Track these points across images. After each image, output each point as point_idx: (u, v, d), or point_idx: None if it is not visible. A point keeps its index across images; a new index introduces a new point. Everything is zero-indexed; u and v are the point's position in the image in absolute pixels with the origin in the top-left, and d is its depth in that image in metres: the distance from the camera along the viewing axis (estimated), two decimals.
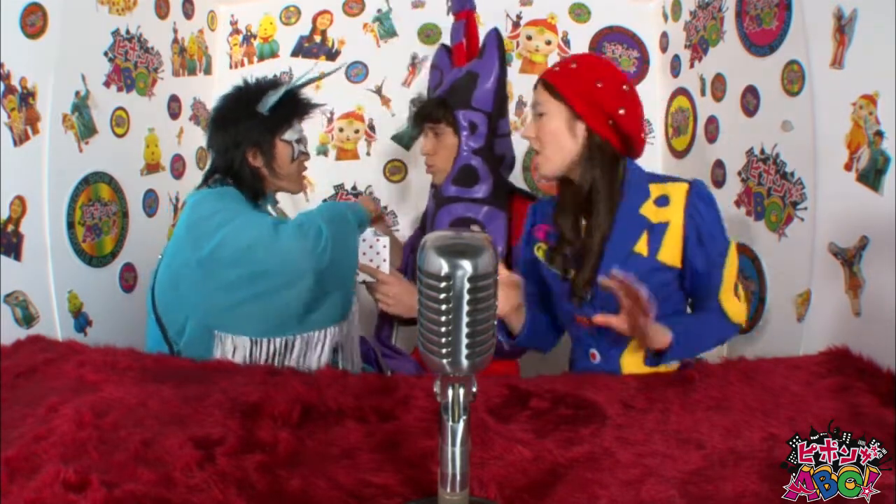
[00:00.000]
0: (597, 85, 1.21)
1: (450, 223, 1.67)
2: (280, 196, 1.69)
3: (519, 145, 2.45)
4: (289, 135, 1.54)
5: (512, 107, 2.47)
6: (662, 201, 1.24)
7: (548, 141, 1.26)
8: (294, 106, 1.56)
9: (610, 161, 1.24)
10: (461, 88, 1.66)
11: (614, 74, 1.26)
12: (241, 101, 1.52)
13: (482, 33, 2.44)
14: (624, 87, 1.24)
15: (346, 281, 1.46)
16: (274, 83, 1.55)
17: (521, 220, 1.65)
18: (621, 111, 1.21)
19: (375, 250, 1.49)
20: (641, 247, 1.23)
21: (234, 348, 1.38)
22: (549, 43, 2.47)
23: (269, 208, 1.58)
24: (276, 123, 1.52)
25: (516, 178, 2.38)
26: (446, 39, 2.00)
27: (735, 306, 1.25)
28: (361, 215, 1.52)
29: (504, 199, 1.69)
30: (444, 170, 1.70)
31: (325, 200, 2.49)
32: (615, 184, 1.24)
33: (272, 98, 1.49)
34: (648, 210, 1.24)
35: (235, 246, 1.35)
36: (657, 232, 1.23)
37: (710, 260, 1.24)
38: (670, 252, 1.23)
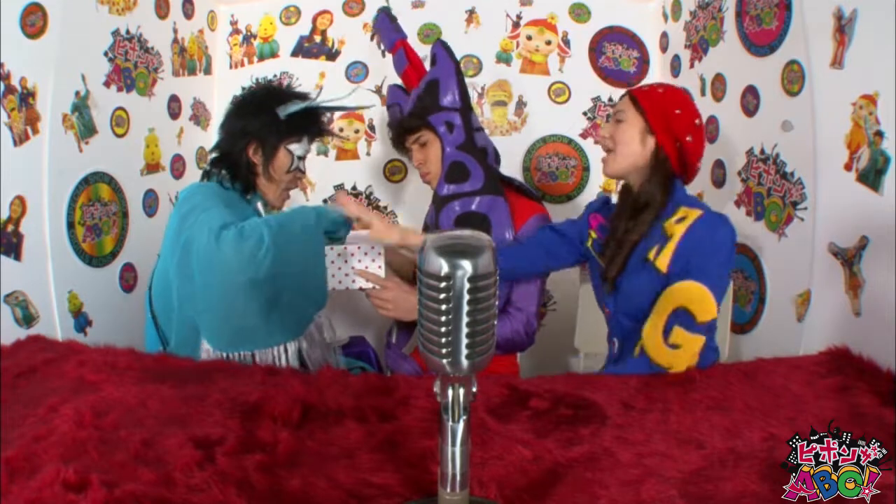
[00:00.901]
0: (675, 111, 1.36)
1: (454, 221, 1.69)
2: None
3: (521, 145, 2.46)
4: (295, 147, 1.56)
5: (512, 107, 2.48)
6: (679, 220, 1.32)
7: (620, 142, 1.40)
8: (312, 123, 1.58)
9: (667, 177, 1.38)
10: (426, 96, 1.71)
11: (692, 110, 1.39)
12: (265, 98, 1.54)
13: (482, 33, 2.46)
14: (697, 121, 1.38)
15: (302, 291, 1.40)
16: (303, 95, 1.58)
17: (517, 209, 1.70)
18: (689, 139, 1.36)
19: (370, 257, 1.48)
20: (652, 254, 1.32)
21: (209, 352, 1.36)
22: (549, 43, 2.47)
23: (259, 205, 1.58)
24: (288, 131, 1.53)
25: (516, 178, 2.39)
26: (445, 38, 2.01)
27: (655, 345, 1.22)
28: (331, 219, 1.43)
29: (498, 187, 1.72)
30: (438, 174, 1.73)
31: (325, 201, 2.50)
32: (664, 198, 1.37)
33: (294, 107, 1.51)
34: (668, 225, 1.33)
35: (194, 251, 1.33)
36: (664, 242, 1.31)
37: (669, 283, 1.27)
38: (665, 259, 1.29)
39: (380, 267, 1.49)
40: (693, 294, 1.23)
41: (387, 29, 1.88)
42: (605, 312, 1.48)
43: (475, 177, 1.69)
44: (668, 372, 1.21)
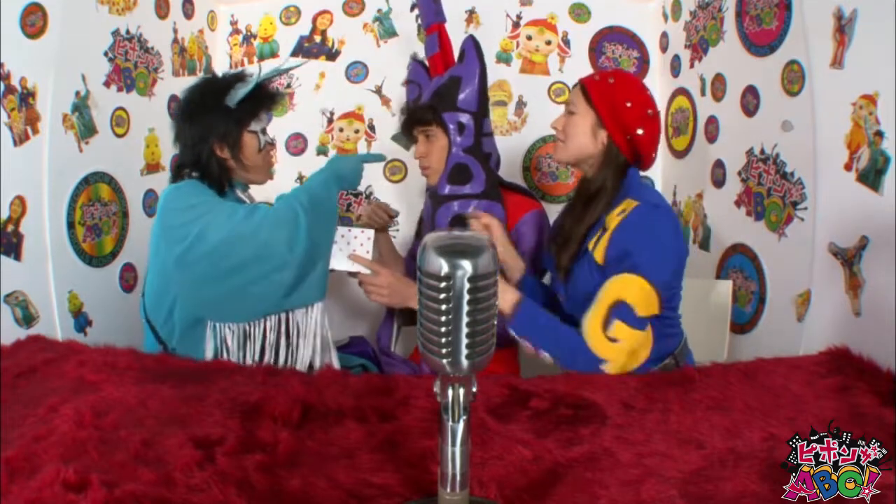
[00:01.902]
0: (626, 104, 1.37)
1: (449, 221, 1.70)
2: (271, 190, 1.68)
3: (521, 145, 2.46)
4: (254, 125, 1.53)
5: (512, 107, 2.47)
6: (621, 213, 1.32)
7: (571, 135, 1.43)
8: (261, 98, 1.54)
9: (620, 169, 1.39)
10: (446, 93, 1.72)
11: (643, 99, 1.40)
12: (208, 94, 1.50)
13: (482, 33, 2.46)
14: (649, 111, 1.38)
15: (322, 260, 1.44)
16: (240, 76, 1.53)
17: (511, 207, 1.72)
18: (640, 132, 1.37)
19: (359, 241, 1.48)
20: (591, 244, 1.35)
21: (225, 336, 1.38)
22: (549, 43, 2.47)
23: (239, 193, 1.57)
24: (243, 115, 1.50)
25: (516, 178, 2.39)
26: None
27: (594, 335, 1.21)
28: (351, 179, 1.49)
29: (497, 192, 1.74)
30: (438, 171, 1.74)
31: None
32: (616, 190, 1.38)
33: (240, 92, 1.48)
34: (610, 217, 1.34)
35: (212, 241, 1.33)
36: (601, 233, 1.33)
37: (605, 274, 1.26)
38: (600, 250, 1.31)
39: (368, 252, 1.48)
40: (633, 287, 1.22)
41: (429, 8, 1.87)
42: (559, 298, 1.50)
43: (477, 180, 1.71)
44: (606, 367, 1.20)
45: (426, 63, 1.88)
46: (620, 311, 1.21)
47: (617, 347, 1.20)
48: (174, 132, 1.54)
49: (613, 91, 1.38)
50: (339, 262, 1.48)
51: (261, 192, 1.68)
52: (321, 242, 1.41)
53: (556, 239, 1.46)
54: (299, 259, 1.36)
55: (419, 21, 2.15)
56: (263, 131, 1.56)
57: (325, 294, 1.44)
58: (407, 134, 1.81)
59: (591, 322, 1.23)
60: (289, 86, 2.42)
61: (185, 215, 1.38)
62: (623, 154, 1.39)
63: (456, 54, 1.80)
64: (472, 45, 1.73)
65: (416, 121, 1.75)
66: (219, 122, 1.48)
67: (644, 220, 1.28)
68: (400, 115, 1.86)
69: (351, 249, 1.48)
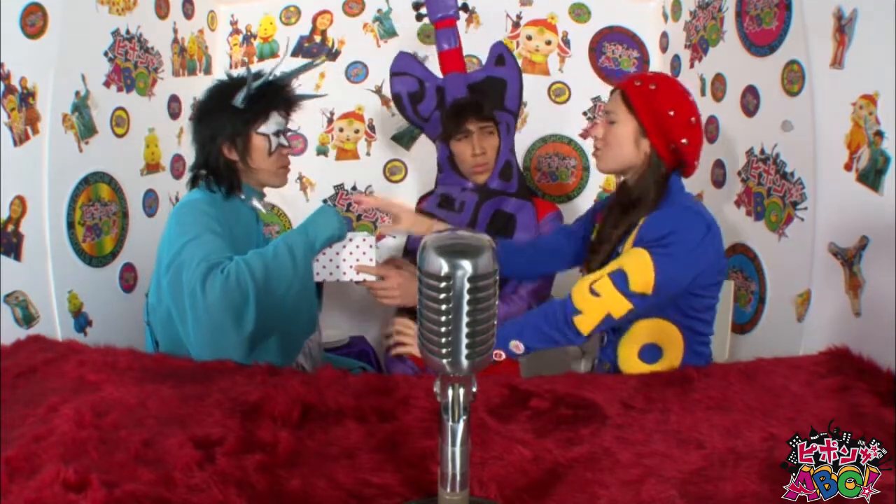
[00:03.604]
0: (669, 113, 1.32)
1: (491, 216, 1.78)
2: (277, 194, 1.67)
3: (521, 146, 2.46)
4: (265, 128, 1.48)
5: None
6: None
7: (613, 144, 1.38)
8: (271, 98, 1.50)
9: (662, 178, 1.36)
10: (492, 92, 1.80)
11: (687, 106, 1.35)
12: (219, 95, 1.49)
13: (482, 33, 2.47)
14: (692, 119, 1.34)
15: (293, 324, 1.41)
16: (256, 76, 1.49)
17: (537, 210, 1.82)
18: (684, 141, 1.33)
19: (362, 250, 1.47)
20: (623, 246, 1.34)
21: None
22: (549, 43, 2.47)
23: (255, 202, 1.55)
24: (252, 116, 1.47)
25: None
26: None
27: (580, 287, 1.25)
28: (325, 238, 1.44)
29: (527, 192, 1.84)
30: (491, 168, 1.80)
31: (324, 201, 2.50)
32: (658, 197, 1.35)
33: (245, 91, 1.45)
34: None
35: (184, 281, 1.30)
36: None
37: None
38: (628, 245, 1.31)
39: (371, 259, 1.48)
40: (633, 258, 1.24)
41: (446, 1, 1.88)
42: None
43: (515, 179, 1.81)
44: (577, 319, 1.23)
45: (417, 56, 1.89)
46: (614, 274, 1.24)
47: (595, 301, 1.23)
48: (192, 136, 1.52)
49: (656, 99, 1.33)
50: (343, 273, 1.48)
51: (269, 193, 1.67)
52: (277, 315, 1.36)
53: (593, 244, 1.44)
54: (242, 333, 1.31)
55: (421, 10, 2.08)
56: (277, 134, 1.51)
57: (284, 362, 1.40)
58: (456, 127, 1.78)
59: (585, 279, 1.26)
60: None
61: (175, 243, 1.34)
62: (665, 163, 1.35)
63: (467, 52, 1.87)
64: (506, 49, 1.84)
65: (480, 115, 1.75)
66: (227, 122, 1.45)
67: (668, 216, 1.28)
68: (445, 107, 1.83)
69: (354, 259, 1.48)
